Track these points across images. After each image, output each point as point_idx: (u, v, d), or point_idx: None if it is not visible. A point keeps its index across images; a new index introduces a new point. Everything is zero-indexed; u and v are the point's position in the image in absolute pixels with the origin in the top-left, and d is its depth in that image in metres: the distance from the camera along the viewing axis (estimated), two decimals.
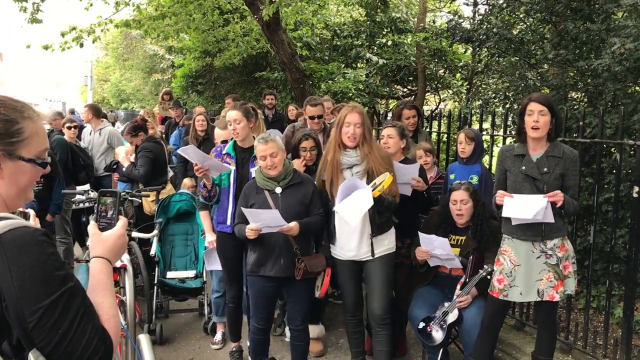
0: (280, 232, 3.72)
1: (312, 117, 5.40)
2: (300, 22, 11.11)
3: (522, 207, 3.43)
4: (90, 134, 7.41)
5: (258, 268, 3.88)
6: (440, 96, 13.43)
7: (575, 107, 5.75)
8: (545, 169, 3.48)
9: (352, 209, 3.62)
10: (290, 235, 3.75)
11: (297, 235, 3.74)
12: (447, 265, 4.15)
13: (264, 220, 3.67)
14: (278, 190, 3.84)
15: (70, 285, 1.31)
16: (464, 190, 4.13)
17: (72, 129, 6.84)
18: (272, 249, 3.83)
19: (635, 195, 3.97)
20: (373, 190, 3.59)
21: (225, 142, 4.63)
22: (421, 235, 4.07)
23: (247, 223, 3.74)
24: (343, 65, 11.52)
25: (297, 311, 4.02)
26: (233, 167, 4.30)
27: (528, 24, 6.64)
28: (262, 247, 3.85)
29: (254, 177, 4.01)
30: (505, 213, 3.49)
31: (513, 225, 3.60)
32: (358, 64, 12.01)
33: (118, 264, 4.01)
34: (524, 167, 3.54)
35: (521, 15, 6.65)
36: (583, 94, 6.15)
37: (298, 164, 4.43)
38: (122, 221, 1.67)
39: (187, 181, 6.32)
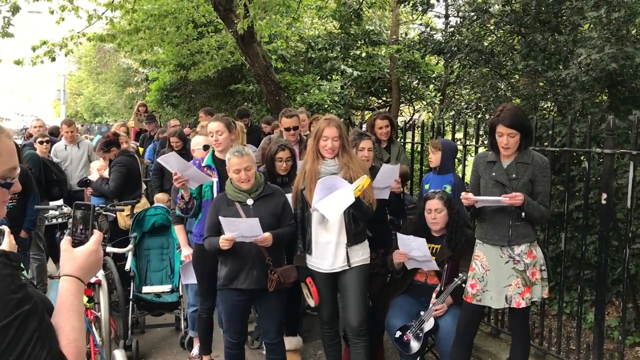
0: (252, 244, 3.72)
1: (287, 129, 5.42)
2: (275, 35, 11.16)
3: (489, 202, 3.55)
4: (65, 148, 7.34)
5: (230, 281, 3.86)
6: (414, 107, 13.58)
7: (545, 116, 5.87)
8: (514, 175, 3.56)
9: (332, 206, 3.66)
10: (263, 247, 3.75)
11: (269, 246, 3.75)
12: (424, 267, 4.18)
13: (241, 229, 3.66)
14: (250, 202, 3.85)
15: (25, 309, 1.25)
16: (438, 199, 4.19)
17: (44, 143, 6.77)
18: (244, 261, 3.82)
19: (603, 202, 4.07)
20: (355, 189, 3.63)
21: (207, 147, 4.60)
22: (399, 236, 4.11)
23: (219, 235, 3.74)
24: (318, 77, 11.59)
25: (271, 324, 4.01)
26: (215, 179, 4.29)
27: (498, 35, 6.77)
28: (234, 259, 3.84)
29: (224, 190, 4.01)
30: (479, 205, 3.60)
31: (482, 230, 3.69)
32: (333, 76, 12.09)
33: (92, 280, 3.97)
34: (494, 174, 3.63)
35: (491, 27, 6.77)
36: (553, 104, 6.28)
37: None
38: (95, 236, 1.58)
39: (160, 196, 6.28)
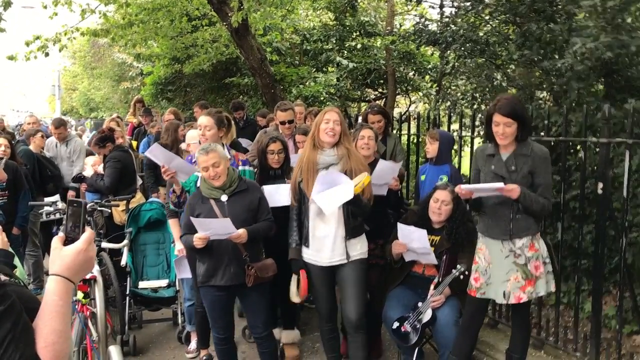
0: (228, 240, 3.71)
1: (282, 122, 5.40)
2: (270, 27, 11.11)
3: (486, 190, 3.51)
4: (56, 146, 7.31)
5: (208, 278, 3.86)
6: (410, 98, 13.55)
7: (541, 106, 5.85)
8: (513, 168, 3.52)
9: (330, 199, 3.65)
10: (239, 243, 3.74)
11: (245, 242, 3.74)
12: (422, 260, 4.17)
13: (213, 229, 3.67)
14: (224, 198, 3.84)
15: None
16: (448, 192, 4.16)
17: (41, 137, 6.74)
18: (221, 258, 3.81)
19: (600, 191, 4.05)
20: (355, 186, 3.62)
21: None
22: (400, 226, 4.09)
23: (194, 232, 3.74)
24: (314, 70, 11.55)
25: (256, 319, 4.01)
26: (199, 174, 4.27)
27: (493, 25, 6.73)
28: (211, 256, 3.83)
29: (198, 187, 3.99)
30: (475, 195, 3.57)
31: (484, 223, 3.67)
32: (329, 68, 12.05)
33: (88, 276, 3.96)
34: (493, 167, 3.59)
35: (486, 17, 6.73)
36: (549, 93, 6.26)
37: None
38: (86, 234, 1.51)
39: (163, 190, 6.23)
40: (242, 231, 3.69)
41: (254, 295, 3.92)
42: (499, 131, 3.49)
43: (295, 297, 4.00)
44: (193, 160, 4.35)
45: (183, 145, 5.38)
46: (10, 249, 2.10)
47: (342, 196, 3.62)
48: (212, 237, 3.69)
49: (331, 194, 3.66)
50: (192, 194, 4.03)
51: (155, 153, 4.11)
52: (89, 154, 7.35)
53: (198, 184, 4.25)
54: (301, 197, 3.95)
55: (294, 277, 3.99)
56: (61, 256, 1.47)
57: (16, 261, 2.69)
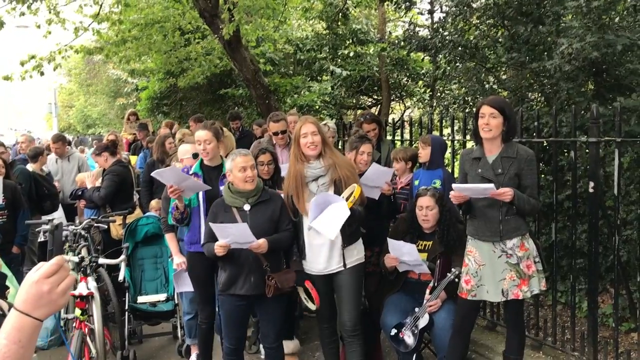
0: (249, 249, 3.72)
1: (275, 133, 5.43)
2: (262, 38, 11.17)
3: (476, 191, 3.53)
4: (56, 161, 7.34)
5: (228, 287, 3.85)
6: (405, 104, 13.61)
7: (533, 107, 5.88)
8: (500, 170, 3.55)
9: (329, 223, 3.65)
10: (260, 252, 3.75)
11: (266, 252, 3.75)
12: (415, 270, 4.20)
13: (232, 235, 3.65)
14: (246, 207, 3.84)
15: None
16: (429, 197, 4.18)
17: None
18: (242, 267, 3.81)
19: (591, 190, 4.08)
20: (347, 201, 3.63)
21: (196, 155, 4.59)
22: (390, 241, 4.12)
23: (216, 241, 3.74)
24: (308, 79, 11.60)
25: (270, 329, 4.00)
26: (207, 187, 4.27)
27: (482, 29, 6.78)
28: (232, 265, 3.82)
29: (222, 195, 4.01)
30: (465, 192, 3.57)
31: (473, 226, 3.69)
32: (322, 77, 12.11)
33: (85, 292, 3.97)
34: (480, 170, 3.62)
35: (475, 22, 6.78)
36: (540, 95, 6.30)
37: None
38: (48, 263, 1.28)
39: (154, 203, 6.26)
40: (262, 241, 3.68)
41: (271, 305, 3.91)
42: (484, 121, 3.52)
43: (310, 304, 3.99)
44: (190, 173, 4.36)
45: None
46: (5, 269, 2.12)
47: (339, 216, 3.62)
48: (233, 246, 3.68)
49: (327, 216, 3.66)
50: (215, 202, 4.00)
51: (166, 176, 4.08)
52: None
53: (200, 197, 4.26)
54: (294, 211, 3.97)
55: (300, 289, 4.00)
56: (23, 285, 1.29)
57: (13, 282, 2.70)
